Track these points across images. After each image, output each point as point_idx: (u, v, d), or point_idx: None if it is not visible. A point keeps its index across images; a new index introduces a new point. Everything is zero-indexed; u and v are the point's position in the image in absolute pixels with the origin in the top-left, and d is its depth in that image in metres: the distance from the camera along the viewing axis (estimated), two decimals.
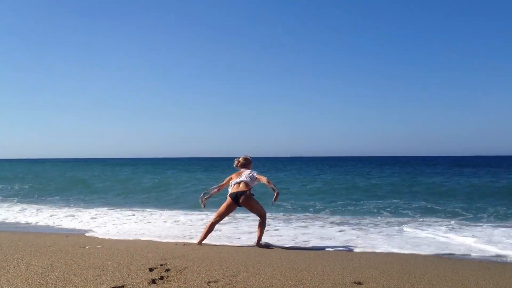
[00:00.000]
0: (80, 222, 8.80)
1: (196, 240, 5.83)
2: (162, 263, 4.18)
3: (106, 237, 6.59)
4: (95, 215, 9.83)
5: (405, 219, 9.13)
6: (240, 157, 6.02)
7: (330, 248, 5.53)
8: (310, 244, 5.93)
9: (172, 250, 5.03)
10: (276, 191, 5.41)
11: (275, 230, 7.25)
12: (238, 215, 8.91)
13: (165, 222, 8.62)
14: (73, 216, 9.74)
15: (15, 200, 14.45)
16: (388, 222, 8.50)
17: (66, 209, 11.29)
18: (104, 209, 11.15)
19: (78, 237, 6.66)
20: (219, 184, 5.99)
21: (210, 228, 5.77)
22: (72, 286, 3.30)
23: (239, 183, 5.66)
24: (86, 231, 7.48)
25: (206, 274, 3.73)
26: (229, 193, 5.70)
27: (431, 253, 5.37)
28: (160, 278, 3.57)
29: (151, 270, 3.87)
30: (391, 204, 11.97)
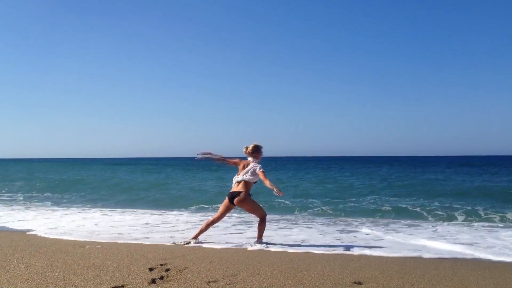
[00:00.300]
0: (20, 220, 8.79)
1: (191, 236, 5.91)
2: (162, 263, 4.18)
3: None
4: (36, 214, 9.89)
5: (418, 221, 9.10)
6: (250, 145, 5.78)
7: (330, 248, 5.53)
8: (310, 244, 5.93)
9: (172, 250, 5.03)
10: (274, 189, 5.14)
11: (275, 230, 7.25)
12: (238, 215, 8.91)
13: (101, 221, 8.67)
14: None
15: None
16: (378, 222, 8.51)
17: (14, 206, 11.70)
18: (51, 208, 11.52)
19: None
20: (227, 158, 5.85)
21: (207, 227, 5.81)
22: (72, 286, 3.30)
23: (239, 182, 5.63)
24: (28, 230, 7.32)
25: (206, 274, 3.73)
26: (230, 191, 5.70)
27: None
28: (160, 278, 3.57)
29: (151, 270, 3.87)
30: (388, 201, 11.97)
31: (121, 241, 5.96)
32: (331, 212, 10.47)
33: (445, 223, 8.53)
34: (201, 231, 5.81)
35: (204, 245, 5.53)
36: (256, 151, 5.74)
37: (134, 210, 11.00)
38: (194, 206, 11.74)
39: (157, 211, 10.73)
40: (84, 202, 13.33)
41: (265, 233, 5.86)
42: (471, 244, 5.95)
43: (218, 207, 5.93)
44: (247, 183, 5.59)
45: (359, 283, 3.57)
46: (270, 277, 3.69)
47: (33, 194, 16.05)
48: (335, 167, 45.10)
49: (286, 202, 12.17)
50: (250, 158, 5.74)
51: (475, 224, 8.44)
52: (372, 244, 5.85)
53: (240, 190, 5.56)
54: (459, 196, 13.82)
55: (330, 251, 5.33)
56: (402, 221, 8.67)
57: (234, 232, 6.98)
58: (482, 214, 9.66)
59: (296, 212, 10.50)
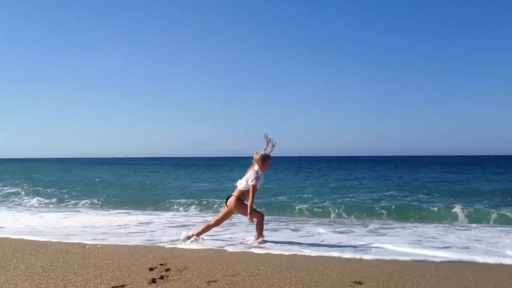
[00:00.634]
0: None
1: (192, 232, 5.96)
2: (162, 262, 4.19)
3: None
4: None
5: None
6: (260, 152, 5.71)
7: (330, 248, 5.53)
8: (310, 244, 5.93)
9: (172, 250, 5.03)
10: (248, 215, 5.44)
11: (274, 230, 7.25)
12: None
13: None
14: None
15: None
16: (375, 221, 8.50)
17: None
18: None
19: None
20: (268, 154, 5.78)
21: (207, 229, 5.88)
22: (73, 285, 3.31)
23: (236, 186, 5.72)
24: None
25: (206, 274, 3.73)
26: None
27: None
28: (160, 278, 3.57)
29: (151, 269, 3.88)
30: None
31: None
32: (333, 211, 10.46)
33: None
34: (202, 232, 5.84)
35: (204, 245, 5.53)
36: (262, 160, 5.68)
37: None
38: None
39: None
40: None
41: (265, 232, 5.86)
42: None
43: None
44: (241, 190, 5.66)
45: (359, 283, 3.57)
46: (270, 277, 3.70)
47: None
48: (335, 167, 45.03)
49: (300, 205, 12.17)
50: (255, 166, 5.71)
51: None
52: (372, 244, 5.84)
53: (234, 194, 5.67)
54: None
55: (330, 250, 5.33)
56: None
57: (234, 232, 6.98)
58: None
59: (296, 212, 10.52)
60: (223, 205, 5.90)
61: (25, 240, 5.71)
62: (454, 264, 4.62)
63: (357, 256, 4.93)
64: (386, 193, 14.52)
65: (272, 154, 5.77)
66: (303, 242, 6.08)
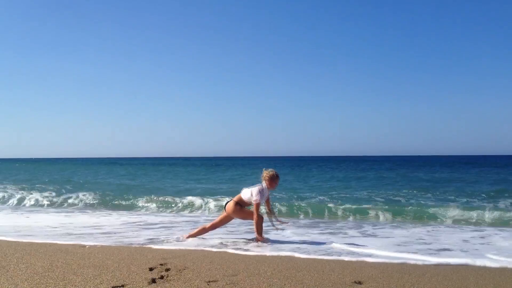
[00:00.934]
0: None
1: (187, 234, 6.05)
2: (162, 262, 4.18)
3: None
4: None
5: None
6: (269, 169, 5.74)
7: (330, 248, 5.52)
8: (310, 243, 5.92)
9: (172, 250, 5.03)
10: (256, 235, 5.63)
11: (274, 230, 7.23)
12: None
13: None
14: None
15: None
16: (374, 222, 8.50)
17: None
18: None
19: None
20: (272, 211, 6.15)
21: (203, 231, 5.99)
22: (72, 285, 3.31)
23: (240, 193, 5.80)
24: None
25: (206, 274, 3.73)
26: None
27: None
28: (160, 278, 3.57)
29: (151, 269, 3.88)
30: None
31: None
32: (334, 210, 10.46)
33: None
34: (193, 235, 5.97)
35: (204, 245, 5.53)
36: (270, 179, 5.68)
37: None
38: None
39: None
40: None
41: (265, 232, 5.87)
42: None
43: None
44: (241, 197, 5.73)
45: (359, 282, 3.57)
46: (270, 277, 3.70)
47: None
48: (336, 167, 45.00)
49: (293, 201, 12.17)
50: (263, 182, 5.70)
51: None
52: (372, 244, 5.84)
53: (233, 199, 5.74)
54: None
55: (330, 250, 5.33)
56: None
57: (234, 231, 6.98)
58: None
59: (297, 212, 10.51)
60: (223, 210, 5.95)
61: (25, 240, 5.71)
62: (454, 264, 4.61)
63: (357, 256, 4.93)
64: (382, 193, 14.49)
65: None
66: (303, 242, 6.07)
